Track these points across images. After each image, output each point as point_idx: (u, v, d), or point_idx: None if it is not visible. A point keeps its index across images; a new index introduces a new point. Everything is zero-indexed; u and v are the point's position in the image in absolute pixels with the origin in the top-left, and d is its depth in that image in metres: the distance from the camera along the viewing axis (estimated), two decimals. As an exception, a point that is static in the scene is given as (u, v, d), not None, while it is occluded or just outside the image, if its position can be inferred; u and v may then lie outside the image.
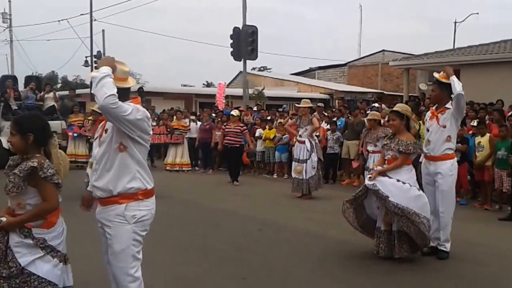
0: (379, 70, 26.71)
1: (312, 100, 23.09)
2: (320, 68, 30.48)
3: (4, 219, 2.51)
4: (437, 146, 4.77)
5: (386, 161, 4.79)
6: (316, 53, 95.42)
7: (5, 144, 11.82)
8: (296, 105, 9.24)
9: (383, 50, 27.42)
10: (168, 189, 8.04)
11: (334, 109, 13.18)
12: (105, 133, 2.80)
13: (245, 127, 10.54)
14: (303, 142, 8.19)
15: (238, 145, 10.19)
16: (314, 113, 8.89)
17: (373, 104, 13.63)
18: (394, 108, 4.93)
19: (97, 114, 6.40)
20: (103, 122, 2.88)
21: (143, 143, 2.83)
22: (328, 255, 4.96)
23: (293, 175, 8.34)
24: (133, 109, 2.68)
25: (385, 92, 23.75)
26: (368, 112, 10.76)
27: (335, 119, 10.99)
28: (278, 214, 7.04)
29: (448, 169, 4.74)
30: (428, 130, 4.92)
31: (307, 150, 8.14)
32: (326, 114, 11.98)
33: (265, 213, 7.06)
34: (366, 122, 8.73)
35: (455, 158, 4.91)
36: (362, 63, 28.45)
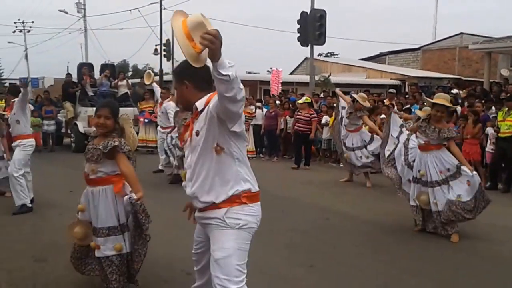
0: (456, 54, 24.93)
1: (382, 86, 21.99)
2: (391, 52, 28.95)
3: (134, 196, 3.13)
4: None
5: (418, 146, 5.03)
6: (386, 37, 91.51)
7: (82, 129, 12.48)
8: (354, 95, 8.83)
9: (461, 33, 25.49)
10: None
11: (407, 95, 12.46)
12: (197, 136, 2.35)
13: (314, 115, 10.34)
14: (352, 131, 8.12)
15: (308, 132, 10.09)
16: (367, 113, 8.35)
17: (452, 91, 12.73)
18: (441, 102, 4.82)
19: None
20: (190, 125, 2.44)
21: (240, 133, 2.34)
22: (399, 248, 4.69)
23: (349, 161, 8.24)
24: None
25: (462, 77, 22.13)
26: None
27: (408, 106, 10.40)
28: (345, 203, 6.79)
29: None
30: None
31: (363, 139, 8.05)
32: (398, 100, 11.37)
33: (331, 202, 6.84)
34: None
35: None
36: (437, 46, 26.64)
